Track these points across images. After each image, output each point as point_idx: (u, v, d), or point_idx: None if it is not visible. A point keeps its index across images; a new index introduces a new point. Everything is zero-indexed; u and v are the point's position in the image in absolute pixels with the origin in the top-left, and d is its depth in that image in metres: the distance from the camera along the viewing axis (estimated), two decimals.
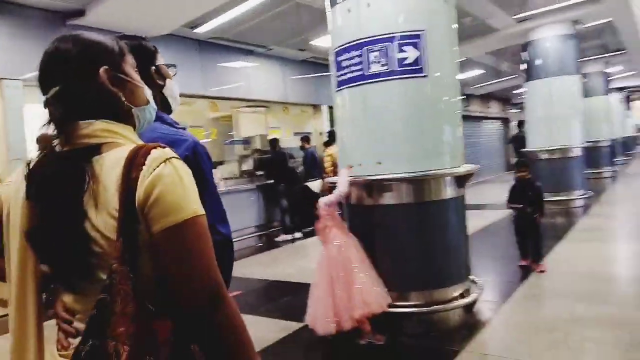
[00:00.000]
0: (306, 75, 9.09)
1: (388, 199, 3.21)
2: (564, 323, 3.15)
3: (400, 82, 3.15)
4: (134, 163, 0.82)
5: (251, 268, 5.67)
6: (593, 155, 11.22)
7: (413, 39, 3.11)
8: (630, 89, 19.47)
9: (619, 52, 11.75)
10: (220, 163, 8.11)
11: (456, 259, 3.33)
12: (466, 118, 15.56)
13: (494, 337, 3.10)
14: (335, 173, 7.04)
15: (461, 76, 12.11)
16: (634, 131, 21.44)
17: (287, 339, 3.30)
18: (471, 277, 3.54)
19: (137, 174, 0.81)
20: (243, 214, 7.07)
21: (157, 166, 0.82)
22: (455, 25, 3.42)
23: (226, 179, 7.27)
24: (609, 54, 12.05)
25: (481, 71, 12.67)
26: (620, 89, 17.65)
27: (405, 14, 3.13)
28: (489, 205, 9.11)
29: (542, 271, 4.34)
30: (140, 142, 0.92)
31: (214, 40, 7.21)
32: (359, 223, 3.43)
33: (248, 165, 7.91)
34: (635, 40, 10.63)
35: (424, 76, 3.15)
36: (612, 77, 14.34)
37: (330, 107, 9.64)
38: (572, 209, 7.95)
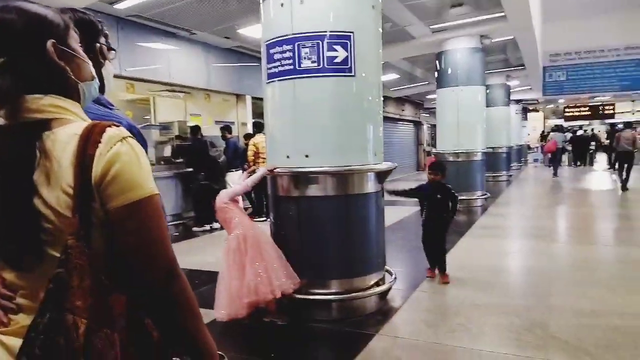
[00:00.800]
0: (231, 64, 8.94)
1: (314, 191, 3.32)
2: (466, 309, 3.50)
3: (329, 79, 3.26)
4: (90, 140, 0.82)
5: None
6: (492, 160, 12.37)
7: (343, 39, 3.24)
8: (526, 102, 21.63)
9: (518, 68, 13.03)
10: None
11: (374, 250, 3.54)
12: (383, 119, 16.30)
13: (405, 321, 3.36)
14: (256, 163, 7.06)
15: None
16: (527, 140, 23.85)
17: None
18: (386, 267, 3.78)
19: (93, 151, 0.82)
20: None
21: (114, 144, 0.83)
22: (381, 30, 3.61)
23: None
24: (509, 69, 13.32)
25: (397, 75, 13.33)
26: (518, 101, 19.55)
27: (336, 15, 3.25)
28: (401, 202, 9.67)
29: (446, 282, 4.13)
30: (89, 120, 0.91)
31: (134, 19, 6.85)
32: (285, 213, 3.51)
33: (166, 152, 7.60)
34: (533, 57, 11.87)
35: (352, 75, 3.30)
36: (512, 90, 15.83)
37: (255, 98, 9.60)
38: (473, 208, 8.72)
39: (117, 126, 0.87)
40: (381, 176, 3.52)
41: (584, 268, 4.62)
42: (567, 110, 23.51)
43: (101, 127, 0.85)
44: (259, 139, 7.15)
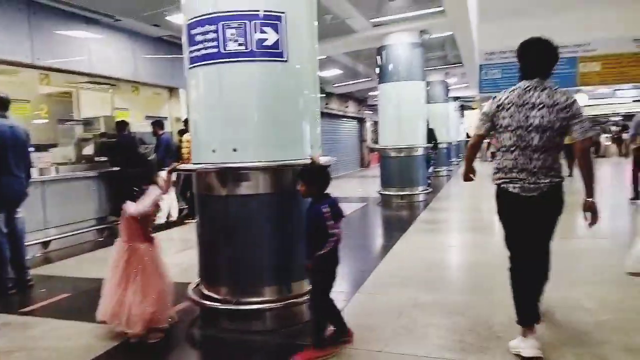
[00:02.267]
0: (162, 55, 8.34)
1: (244, 188, 2.99)
2: (410, 310, 3.32)
3: (259, 64, 2.94)
4: None
5: (84, 267, 4.99)
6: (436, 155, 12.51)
7: (273, 19, 2.93)
8: (464, 99, 22.32)
9: (456, 65, 13.29)
10: (53, 146, 6.96)
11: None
12: (326, 115, 16.17)
13: None
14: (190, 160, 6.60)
15: (322, 74, 12.44)
16: (465, 136, 24.67)
17: (119, 348, 2.87)
18: None
19: None
20: (79, 205, 6.16)
21: None
22: (315, 14, 3.34)
23: (59, 164, 6.26)
24: (448, 66, 13.56)
25: (340, 71, 13.20)
26: (456, 98, 20.11)
27: None
28: (345, 199, 9.51)
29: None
30: None
31: (49, 2, 6.15)
32: (211, 214, 3.16)
33: (88, 150, 6.93)
34: (471, 55, 12.11)
35: (284, 61, 2.99)
36: (450, 87, 16.20)
37: None
38: (415, 203, 8.72)
39: None
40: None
41: None
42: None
43: None
44: None
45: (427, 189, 9.22)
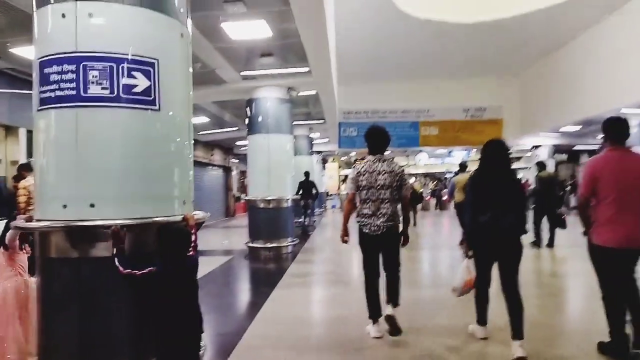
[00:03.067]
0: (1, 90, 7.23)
1: (102, 250, 2.60)
2: None
3: (126, 111, 2.67)
4: None
5: None
6: (298, 206, 12.80)
7: (145, 65, 2.73)
8: (325, 153, 23.67)
9: (319, 122, 14.10)
10: None
11: None
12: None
13: None
14: (27, 210, 5.68)
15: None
16: (326, 188, 26.03)
17: None
18: None
19: None
20: None
21: None
22: (190, 62, 3.22)
23: None
24: (311, 122, 14.31)
25: (207, 119, 12.98)
26: (318, 152, 21.20)
27: (137, 36, 2.73)
28: (209, 252, 9.07)
29: None
30: None
31: None
32: (59, 282, 2.66)
33: None
34: (332, 113, 12.98)
35: (157, 110, 2.78)
36: (314, 142, 17.04)
37: (30, 131, 7.92)
38: (283, 255, 8.68)
39: None
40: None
41: None
42: (357, 161, 26.68)
43: None
44: (32, 181, 5.77)
45: (294, 240, 9.30)
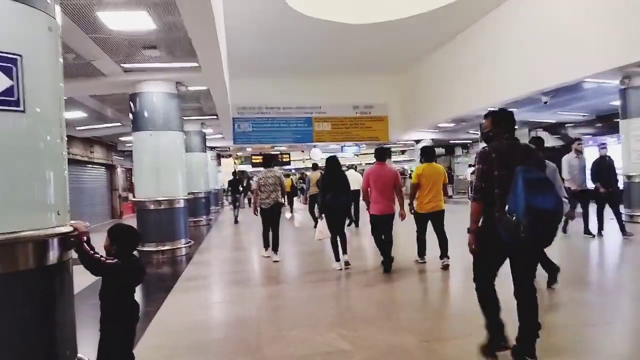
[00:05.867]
0: None
1: None
2: None
3: None
4: None
5: None
6: (193, 205, 12.36)
7: (6, 63, 2.41)
8: (220, 149, 23.06)
9: (212, 117, 13.69)
10: None
11: (60, 342, 2.68)
12: (68, 162, 14.07)
13: None
14: None
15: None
16: (221, 184, 25.39)
17: None
18: (79, 356, 2.94)
19: None
20: None
21: None
22: (61, 59, 2.92)
23: None
24: (204, 117, 13.85)
25: (84, 114, 11.89)
26: (212, 148, 20.59)
27: None
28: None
29: None
30: None
31: None
32: None
33: None
34: (225, 109, 12.69)
35: (21, 111, 2.48)
36: (208, 137, 16.51)
37: None
38: (177, 257, 8.32)
39: None
40: (67, 241, 2.73)
41: (282, 308, 4.91)
42: (253, 157, 26.51)
43: None
44: None
45: (189, 242, 8.95)
